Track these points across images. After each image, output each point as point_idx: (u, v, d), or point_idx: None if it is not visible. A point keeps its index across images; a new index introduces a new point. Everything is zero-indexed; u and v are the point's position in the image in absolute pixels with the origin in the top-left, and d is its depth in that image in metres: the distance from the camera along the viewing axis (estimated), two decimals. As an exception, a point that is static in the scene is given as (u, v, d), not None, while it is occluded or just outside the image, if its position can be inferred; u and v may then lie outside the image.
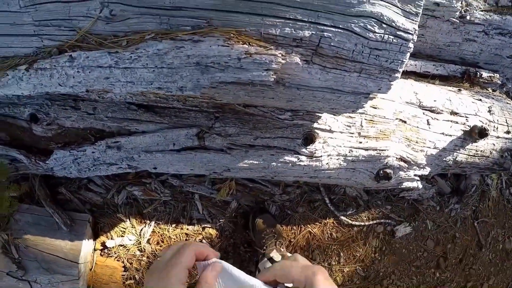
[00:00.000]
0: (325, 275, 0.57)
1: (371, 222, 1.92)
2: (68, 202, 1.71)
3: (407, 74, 1.73)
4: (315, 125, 1.34)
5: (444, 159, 1.69)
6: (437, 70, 1.78)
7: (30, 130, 1.49)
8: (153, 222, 1.76)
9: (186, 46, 0.90)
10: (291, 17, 0.90)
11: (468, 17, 1.69)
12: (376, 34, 0.94)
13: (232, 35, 0.90)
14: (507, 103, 1.85)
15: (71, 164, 1.47)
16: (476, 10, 1.72)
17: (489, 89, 1.91)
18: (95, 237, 1.74)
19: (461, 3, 1.65)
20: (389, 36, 0.95)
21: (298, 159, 1.39)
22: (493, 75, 1.87)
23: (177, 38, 0.92)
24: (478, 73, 1.83)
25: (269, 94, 1.05)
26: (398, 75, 1.03)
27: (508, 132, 1.77)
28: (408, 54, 1.00)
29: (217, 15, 0.91)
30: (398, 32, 0.96)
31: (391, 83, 1.05)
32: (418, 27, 0.96)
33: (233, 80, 0.95)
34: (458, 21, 1.68)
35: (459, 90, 1.76)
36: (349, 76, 1.01)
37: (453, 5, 1.63)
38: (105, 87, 1.03)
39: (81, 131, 1.46)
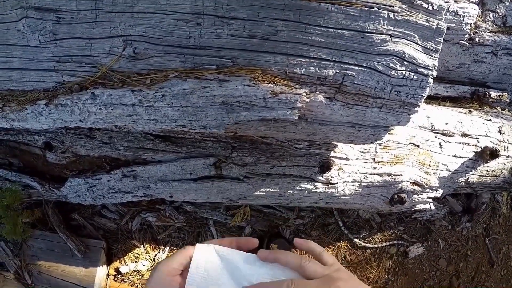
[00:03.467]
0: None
1: (384, 244, 1.92)
2: (82, 228, 1.70)
3: (418, 97, 1.74)
4: (332, 153, 1.34)
5: (456, 180, 1.70)
6: (447, 92, 1.80)
7: (44, 157, 1.49)
8: (168, 248, 1.75)
9: (211, 86, 0.90)
10: (316, 56, 0.91)
11: (477, 39, 1.71)
12: (398, 71, 0.95)
13: (257, 74, 0.90)
14: (517, 122, 1.86)
15: (85, 192, 1.46)
16: (485, 32, 1.73)
17: (498, 108, 1.93)
18: (108, 262, 1.73)
19: (470, 26, 1.67)
20: (410, 72, 0.96)
21: (314, 187, 1.39)
22: (501, 94, 1.89)
23: (202, 77, 0.92)
24: (487, 93, 1.85)
25: (291, 129, 1.05)
26: (418, 109, 1.04)
27: (518, 152, 1.78)
28: (428, 89, 1.00)
29: (242, 55, 0.91)
30: (418, 69, 0.96)
31: (410, 116, 1.06)
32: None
33: (258, 118, 0.95)
34: (467, 43, 1.70)
35: (470, 111, 1.77)
36: (370, 112, 1.01)
37: (462, 28, 1.64)
38: (127, 124, 1.03)
39: (96, 159, 1.46)
